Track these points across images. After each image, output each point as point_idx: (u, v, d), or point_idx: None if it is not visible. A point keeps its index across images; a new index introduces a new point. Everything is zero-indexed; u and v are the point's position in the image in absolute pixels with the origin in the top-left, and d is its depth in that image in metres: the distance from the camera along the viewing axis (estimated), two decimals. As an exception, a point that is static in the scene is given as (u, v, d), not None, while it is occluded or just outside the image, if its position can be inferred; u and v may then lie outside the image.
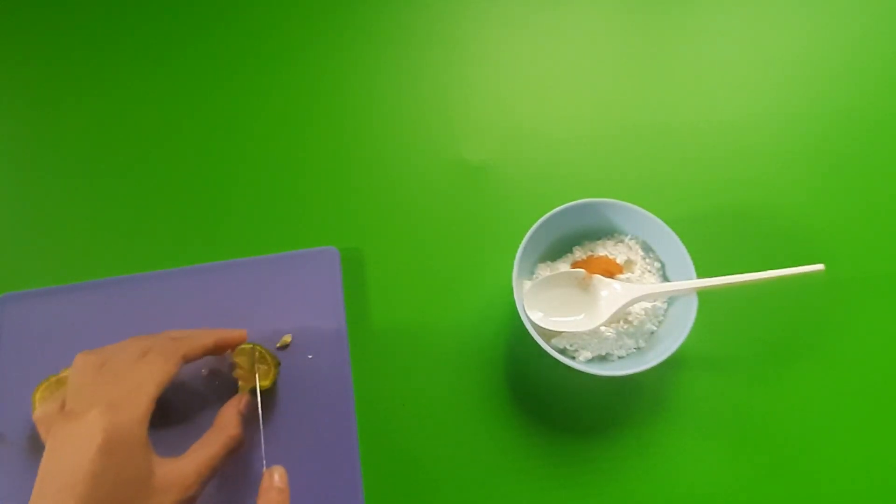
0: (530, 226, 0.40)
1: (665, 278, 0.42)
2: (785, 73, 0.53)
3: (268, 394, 0.41)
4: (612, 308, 0.39)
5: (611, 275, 0.41)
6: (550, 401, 0.43)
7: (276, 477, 0.34)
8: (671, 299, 0.41)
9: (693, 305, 0.38)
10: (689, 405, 0.42)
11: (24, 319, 0.45)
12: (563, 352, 0.40)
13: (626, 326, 0.41)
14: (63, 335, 0.44)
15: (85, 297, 0.45)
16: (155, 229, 0.49)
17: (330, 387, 0.42)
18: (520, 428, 0.42)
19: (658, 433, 0.42)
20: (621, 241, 0.43)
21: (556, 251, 0.44)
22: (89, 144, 0.52)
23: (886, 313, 0.44)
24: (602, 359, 0.40)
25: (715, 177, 0.49)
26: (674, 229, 0.40)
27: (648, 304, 0.41)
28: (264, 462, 0.38)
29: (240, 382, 0.39)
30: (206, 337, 0.38)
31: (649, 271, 0.42)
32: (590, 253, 0.43)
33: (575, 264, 0.42)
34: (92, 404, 0.30)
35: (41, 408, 0.34)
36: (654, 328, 0.41)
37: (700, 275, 0.38)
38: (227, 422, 0.36)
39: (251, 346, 0.41)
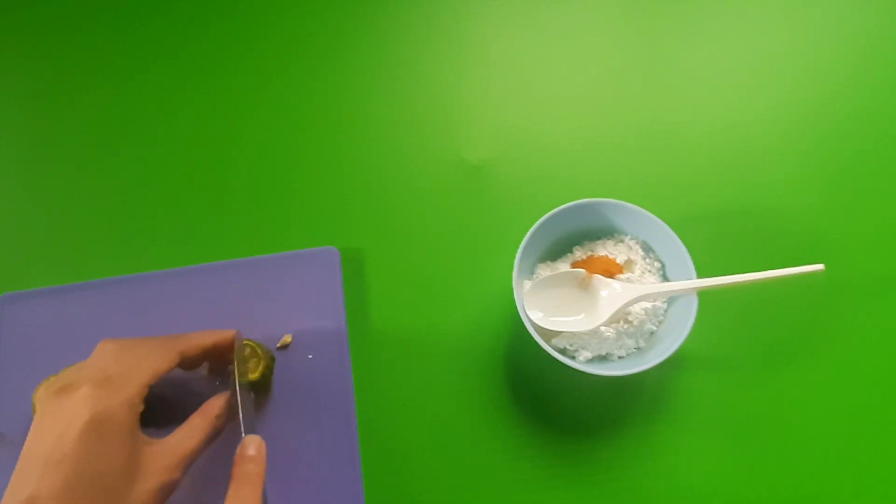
0: (530, 226, 0.40)
1: (665, 278, 0.42)
2: (785, 74, 0.53)
3: (264, 390, 0.41)
4: (612, 308, 0.39)
5: (611, 275, 0.41)
6: (550, 401, 0.43)
7: (252, 448, 0.33)
8: (671, 299, 0.41)
9: (693, 305, 0.38)
10: (689, 405, 0.42)
11: (24, 319, 0.45)
12: (563, 352, 0.40)
13: (626, 326, 0.41)
14: (63, 335, 0.44)
15: (85, 297, 0.45)
16: (155, 229, 0.49)
17: (330, 387, 0.42)
18: (520, 428, 0.42)
19: (658, 433, 0.42)
20: (621, 241, 0.43)
21: (557, 251, 0.44)
22: (89, 144, 0.52)
23: (886, 313, 0.44)
24: (602, 359, 0.40)
25: (715, 177, 0.49)
26: (674, 229, 0.40)
27: (648, 304, 0.41)
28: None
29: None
30: (205, 337, 0.37)
31: (649, 271, 0.42)
32: (590, 253, 0.43)
33: (575, 264, 0.42)
34: (84, 382, 0.30)
35: (43, 388, 0.33)
36: (655, 328, 0.41)
37: (700, 275, 0.38)
38: (210, 410, 0.36)
39: (243, 341, 0.41)
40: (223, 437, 0.36)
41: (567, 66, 0.54)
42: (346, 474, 0.40)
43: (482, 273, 0.47)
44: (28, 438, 0.29)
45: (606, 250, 0.42)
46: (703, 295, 0.38)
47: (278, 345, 0.43)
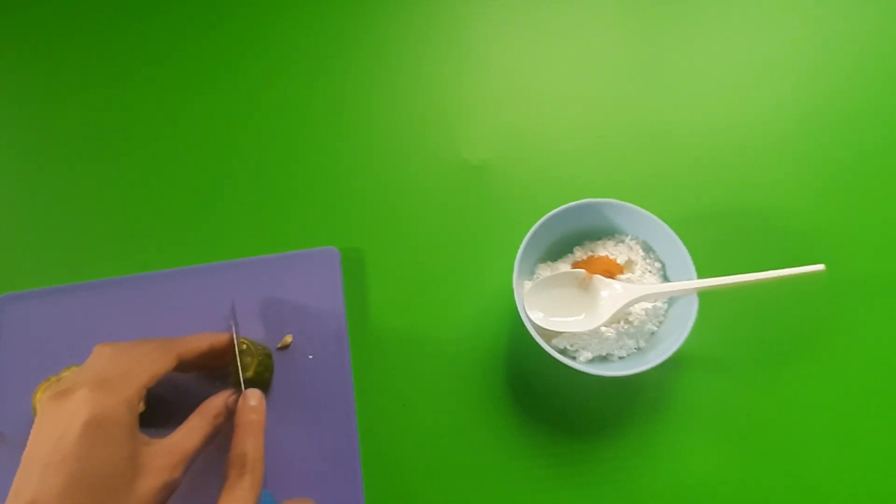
0: (531, 226, 0.40)
1: (665, 278, 0.42)
2: (785, 74, 0.53)
3: (262, 388, 0.41)
4: (612, 308, 0.39)
5: (611, 275, 0.41)
6: (551, 401, 0.43)
7: (254, 399, 0.35)
8: (671, 299, 0.41)
9: (693, 306, 0.38)
10: (689, 405, 0.42)
11: (24, 319, 0.45)
12: (563, 352, 0.40)
13: (626, 327, 0.41)
14: (63, 335, 0.44)
15: (85, 297, 0.45)
16: (155, 230, 0.49)
17: (330, 387, 0.42)
18: (520, 428, 0.42)
19: (658, 433, 0.42)
20: (622, 242, 0.43)
21: (557, 251, 0.44)
22: (89, 145, 0.52)
23: (886, 313, 0.44)
24: (602, 359, 0.40)
25: (715, 177, 0.49)
26: (674, 229, 0.40)
27: (649, 305, 0.41)
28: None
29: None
30: (202, 340, 0.38)
31: (650, 271, 0.42)
32: (590, 253, 0.43)
33: (575, 264, 0.42)
34: (83, 384, 0.30)
35: (42, 390, 0.33)
36: (655, 328, 0.41)
37: (700, 275, 0.38)
38: (209, 409, 0.36)
39: (240, 340, 0.41)
40: (225, 438, 0.37)
41: (567, 66, 0.54)
42: (346, 474, 0.40)
43: (482, 273, 0.47)
44: (29, 442, 0.30)
45: (607, 250, 0.42)
46: (704, 295, 0.38)
47: (279, 345, 0.43)
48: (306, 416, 0.41)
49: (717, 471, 0.41)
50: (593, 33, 0.55)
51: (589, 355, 0.40)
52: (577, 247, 0.43)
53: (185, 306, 0.45)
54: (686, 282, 0.39)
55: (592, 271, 0.40)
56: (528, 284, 0.41)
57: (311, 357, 0.43)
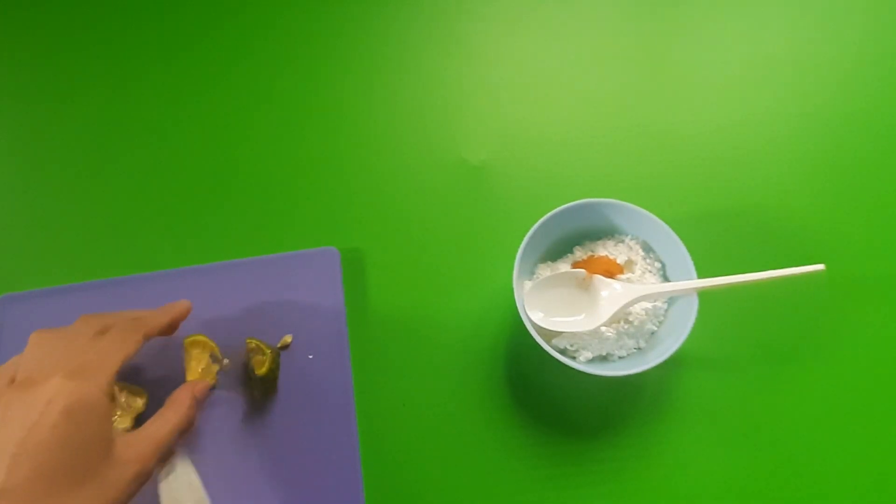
0: (531, 226, 0.40)
1: (665, 278, 0.42)
2: (785, 75, 0.53)
3: (271, 386, 0.42)
4: (612, 308, 0.39)
5: (611, 275, 0.41)
6: (551, 401, 0.43)
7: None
8: (672, 299, 0.41)
9: (694, 306, 0.38)
10: (689, 405, 0.42)
11: (24, 319, 0.45)
12: (563, 352, 0.40)
13: (626, 327, 0.41)
14: (63, 335, 0.44)
15: (85, 297, 0.45)
16: (155, 230, 0.49)
17: (330, 387, 0.42)
18: (520, 428, 0.42)
19: (658, 433, 0.42)
20: (622, 242, 0.43)
21: (557, 251, 0.44)
22: (90, 145, 0.52)
23: (886, 313, 0.44)
24: (602, 359, 0.40)
25: (715, 177, 0.49)
26: (674, 229, 0.40)
27: (649, 305, 0.41)
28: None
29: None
30: (163, 316, 0.38)
31: (650, 271, 0.42)
32: (590, 253, 0.43)
33: (575, 264, 0.42)
34: (53, 373, 0.30)
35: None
36: (655, 328, 0.41)
37: (700, 275, 0.38)
38: (181, 402, 0.37)
39: (247, 339, 0.41)
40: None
41: (567, 66, 0.54)
42: (346, 474, 0.40)
43: (482, 273, 0.47)
44: None
45: (607, 250, 0.42)
46: (704, 295, 0.38)
47: (279, 345, 0.43)
48: (306, 416, 0.41)
49: (717, 470, 0.41)
50: (593, 33, 0.55)
51: (589, 355, 0.40)
52: (577, 247, 0.43)
53: (185, 306, 0.45)
54: (686, 282, 0.39)
55: (592, 271, 0.40)
56: (528, 284, 0.41)
57: (311, 357, 0.43)
